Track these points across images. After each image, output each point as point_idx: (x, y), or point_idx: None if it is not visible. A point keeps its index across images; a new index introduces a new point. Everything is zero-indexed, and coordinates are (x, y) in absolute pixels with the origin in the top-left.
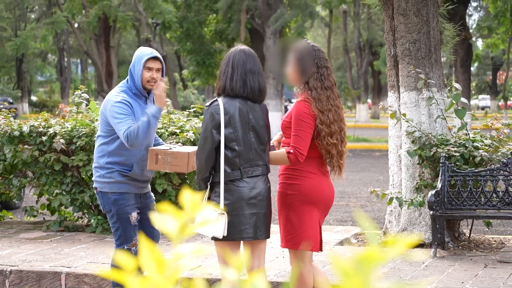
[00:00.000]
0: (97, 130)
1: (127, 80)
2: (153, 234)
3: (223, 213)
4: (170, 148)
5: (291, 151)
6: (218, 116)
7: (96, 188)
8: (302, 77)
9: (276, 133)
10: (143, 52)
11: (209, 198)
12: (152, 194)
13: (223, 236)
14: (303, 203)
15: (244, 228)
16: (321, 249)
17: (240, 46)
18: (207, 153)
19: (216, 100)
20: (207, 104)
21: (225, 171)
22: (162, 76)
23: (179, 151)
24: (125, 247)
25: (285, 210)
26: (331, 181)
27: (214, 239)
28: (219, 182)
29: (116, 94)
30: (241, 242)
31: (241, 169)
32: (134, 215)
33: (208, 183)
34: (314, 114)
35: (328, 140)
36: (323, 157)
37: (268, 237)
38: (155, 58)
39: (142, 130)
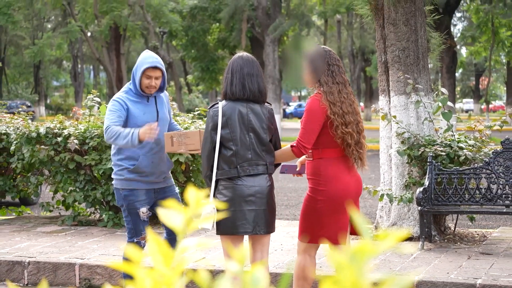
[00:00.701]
0: None
1: (130, 82)
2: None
3: (214, 208)
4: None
5: (295, 144)
6: (216, 117)
7: (113, 184)
8: (315, 77)
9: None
10: (145, 59)
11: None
12: (174, 188)
13: (224, 231)
14: (331, 208)
15: (242, 223)
16: (355, 234)
17: (238, 53)
18: (207, 152)
19: (217, 103)
20: (209, 106)
21: (223, 168)
22: (163, 82)
23: (191, 130)
24: (135, 240)
25: (311, 211)
26: (357, 173)
27: (219, 233)
28: (220, 180)
29: (118, 93)
30: (246, 237)
31: (238, 168)
32: (143, 210)
33: (213, 180)
34: (324, 108)
35: (343, 129)
36: (344, 152)
37: (271, 231)
38: (154, 68)
39: (117, 138)
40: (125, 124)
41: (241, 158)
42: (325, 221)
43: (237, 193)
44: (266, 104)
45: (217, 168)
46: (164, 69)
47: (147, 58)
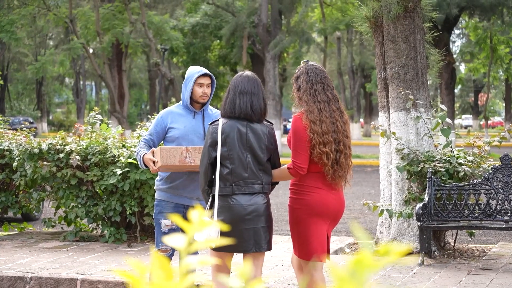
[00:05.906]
0: (109, 148)
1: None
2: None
3: (216, 225)
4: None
5: (291, 166)
6: (215, 135)
7: None
8: (298, 94)
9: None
10: (194, 71)
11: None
12: None
13: (223, 248)
14: (309, 216)
15: (241, 242)
16: (328, 258)
17: (241, 72)
18: (204, 167)
19: (218, 119)
20: (210, 123)
21: (219, 185)
22: (212, 89)
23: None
24: (155, 249)
25: (294, 222)
26: (341, 194)
27: (212, 249)
28: (214, 196)
29: (170, 106)
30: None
31: (233, 186)
32: (165, 222)
33: (210, 195)
34: (306, 126)
35: (319, 148)
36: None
37: (268, 249)
38: (204, 75)
39: (136, 155)
40: (166, 135)
41: (237, 176)
42: (304, 229)
43: (234, 212)
44: (267, 123)
45: (214, 184)
46: (213, 76)
47: (195, 69)
